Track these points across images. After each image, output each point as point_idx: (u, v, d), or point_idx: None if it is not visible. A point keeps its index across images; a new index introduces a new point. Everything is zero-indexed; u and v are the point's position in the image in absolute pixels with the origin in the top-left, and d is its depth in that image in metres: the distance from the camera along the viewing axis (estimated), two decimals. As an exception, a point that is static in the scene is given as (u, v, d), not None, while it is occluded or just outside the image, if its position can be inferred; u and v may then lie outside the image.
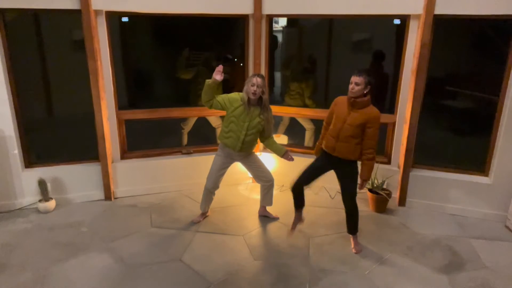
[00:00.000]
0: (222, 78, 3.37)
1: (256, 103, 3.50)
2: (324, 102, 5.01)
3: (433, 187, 4.18)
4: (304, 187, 3.50)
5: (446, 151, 4.42)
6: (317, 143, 3.60)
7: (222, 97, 3.52)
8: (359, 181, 3.37)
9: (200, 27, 4.60)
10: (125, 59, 4.43)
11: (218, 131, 4.78)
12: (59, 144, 4.47)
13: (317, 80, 4.93)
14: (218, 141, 3.73)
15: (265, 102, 3.52)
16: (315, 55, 4.96)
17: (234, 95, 3.55)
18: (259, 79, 3.43)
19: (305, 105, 4.81)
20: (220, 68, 3.36)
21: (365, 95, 3.15)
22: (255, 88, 3.41)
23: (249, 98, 3.45)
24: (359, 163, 3.31)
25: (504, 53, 3.75)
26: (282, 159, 3.77)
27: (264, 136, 3.68)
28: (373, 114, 3.13)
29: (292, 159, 3.74)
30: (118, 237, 3.63)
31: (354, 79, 3.11)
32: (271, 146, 3.75)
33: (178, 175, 4.59)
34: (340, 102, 3.29)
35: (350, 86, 3.13)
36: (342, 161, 3.28)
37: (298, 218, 3.67)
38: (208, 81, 3.40)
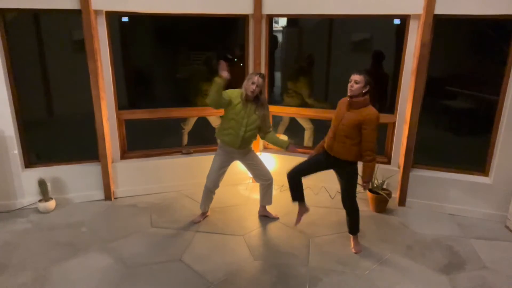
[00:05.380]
0: (228, 74, 3.31)
1: (253, 100, 3.51)
2: (323, 102, 5.02)
3: (433, 187, 4.18)
4: (302, 177, 3.46)
5: (446, 151, 4.42)
6: (321, 142, 3.53)
7: (227, 94, 3.50)
8: (359, 181, 3.37)
9: (200, 27, 4.60)
10: (125, 59, 4.43)
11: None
12: (59, 144, 4.47)
13: (313, 79, 4.93)
14: (218, 140, 3.73)
15: (262, 100, 3.55)
16: (314, 55, 4.96)
17: (233, 92, 3.55)
18: (260, 79, 3.45)
19: (303, 104, 4.81)
20: (224, 65, 3.32)
21: (364, 94, 3.13)
22: (254, 87, 3.43)
23: (246, 94, 3.46)
24: (359, 164, 3.30)
25: (504, 53, 3.75)
26: (284, 156, 3.76)
27: (263, 131, 3.69)
28: (369, 115, 3.06)
29: (296, 151, 3.72)
30: (118, 237, 3.63)
31: (354, 77, 3.10)
32: (273, 141, 3.73)
33: (178, 175, 4.59)
34: (342, 102, 3.28)
35: (349, 84, 3.11)
36: (340, 161, 3.27)
37: (302, 209, 3.62)
38: (217, 79, 3.30)
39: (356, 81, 3.08)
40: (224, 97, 3.46)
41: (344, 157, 3.23)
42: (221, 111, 3.66)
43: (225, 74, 3.32)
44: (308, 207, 3.65)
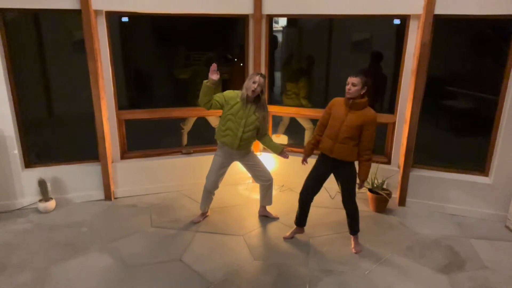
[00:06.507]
0: (218, 76, 3.37)
1: (253, 100, 3.51)
2: (324, 102, 5.01)
3: (433, 187, 4.18)
4: (314, 195, 3.51)
5: (446, 151, 4.42)
6: (308, 142, 3.53)
7: (219, 96, 3.52)
8: (357, 181, 3.38)
9: (200, 27, 4.60)
10: (125, 59, 4.43)
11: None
12: (59, 144, 4.47)
13: (312, 80, 4.93)
14: (217, 141, 3.73)
15: (262, 101, 3.54)
16: (313, 55, 4.96)
17: (230, 93, 3.56)
18: (261, 79, 3.45)
19: (302, 105, 4.81)
20: (214, 67, 3.35)
21: (362, 96, 3.15)
22: (255, 86, 3.42)
23: (247, 95, 3.46)
24: (356, 163, 3.32)
25: (504, 53, 3.75)
26: (279, 157, 3.79)
27: (260, 134, 3.69)
28: (371, 116, 3.13)
29: (287, 157, 3.76)
30: (118, 237, 3.63)
31: (351, 79, 3.11)
32: (267, 144, 3.76)
33: (178, 175, 4.59)
34: (337, 103, 3.27)
35: (347, 87, 3.13)
36: (340, 162, 3.27)
37: (299, 231, 3.70)
38: (205, 82, 3.38)
39: (353, 84, 3.09)
40: (217, 99, 3.48)
41: (346, 158, 3.23)
42: (219, 111, 3.67)
43: (214, 76, 3.33)
44: (304, 230, 3.70)
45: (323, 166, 3.40)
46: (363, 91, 3.13)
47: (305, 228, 3.73)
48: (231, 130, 3.54)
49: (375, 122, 3.16)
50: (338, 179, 3.41)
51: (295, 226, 3.68)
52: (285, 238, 3.66)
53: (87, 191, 4.31)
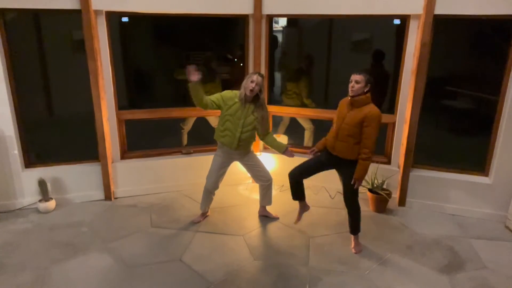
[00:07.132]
0: (199, 76, 3.29)
1: (252, 100, 3.50)
2: (324, 102, 5.02)
3: (433, 187, 4.18)
4: (304, 179, 3.48)
5: (446, 151, 4.42)
6: (322, 139, 3.51)
7: (216, 97, 3.52)
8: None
9: (200, 27, 4.60)
10: (125, 59, 4.43)
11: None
12: (59, 144, 4.47)
13: (312, 80, 4.93)
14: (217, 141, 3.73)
15: (261, 101, 3.54)
16: (313, 55, 4.96)
17: (228, 93, 3.56)
18: (259, 78, 3.45)
19: (302, 105, 4.81)
20: (189, 69, 3.27)
21: (365, 94, 3.13)
22: (253, 85, 3.42)
23: (245, 94, 3.45)
24: None
25: (504, 53, 3.75)
26: (281, 156, 3.78)
27: (261, 133, 3.68)
28: (371, 112, 3.06)
29: (292, 155, 3.74)
30: (118, 237, 3.63)
31: (354, 77, 3.10)
32: (271, 143, 3.75)
33: (178, 175, 4.59)
34: (343, 102, 3.30)
35: (350, 85, 3.12)
36: (342, 160, 3.27)
37: (303, 208, 3.69)
38: (189, 85, 3.33)
39: (356, 81, 3.09)
40: (213, 100, 3.48)
41: (346, 156, 3.23)
42: (219, 111, 3.66)
43: (194, 78, 3.28)
44: (308, 205, 3.68)
45: (326, 158, 3.40)
46: (366, 89, 3.11)
47: (305, 228, 3.73)
48: (229, 130, 3.54)
49: (376, 119, 3.07)
50: (340, 177, 3.41)
51: (296, 218, 3.68)
52: (296, 222, 3.69)
53: (87, 191, 4.31)
